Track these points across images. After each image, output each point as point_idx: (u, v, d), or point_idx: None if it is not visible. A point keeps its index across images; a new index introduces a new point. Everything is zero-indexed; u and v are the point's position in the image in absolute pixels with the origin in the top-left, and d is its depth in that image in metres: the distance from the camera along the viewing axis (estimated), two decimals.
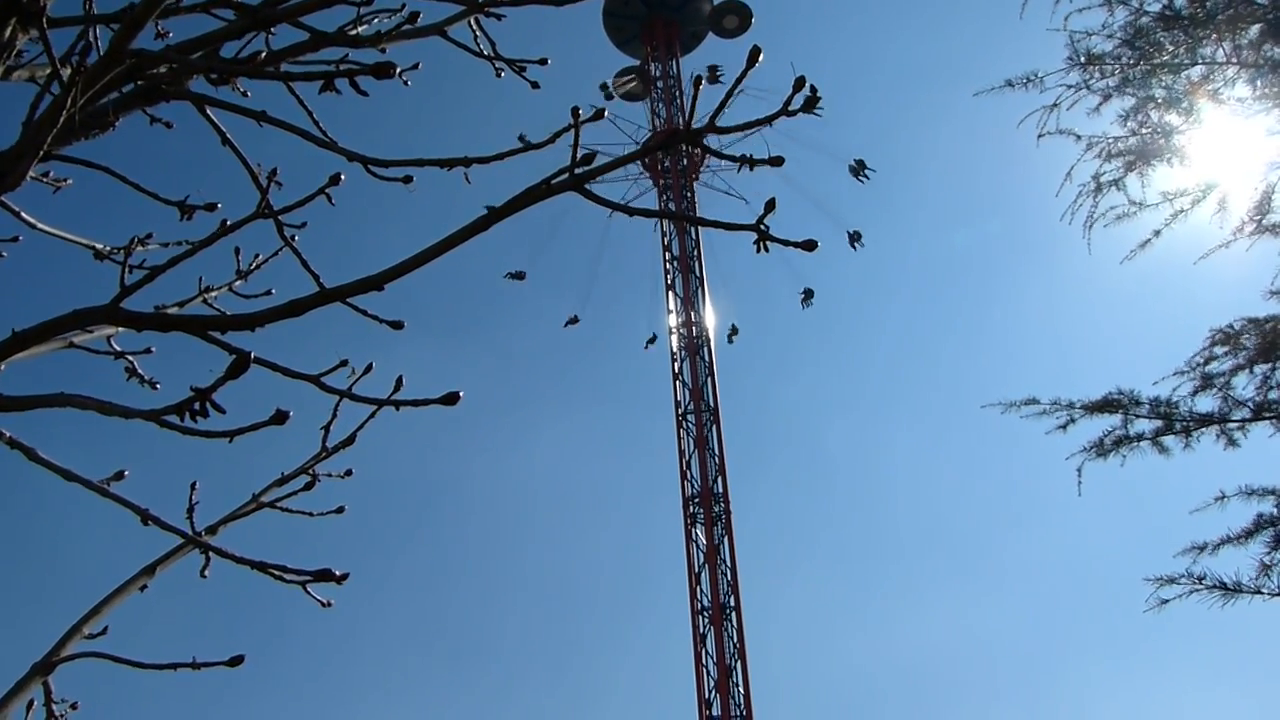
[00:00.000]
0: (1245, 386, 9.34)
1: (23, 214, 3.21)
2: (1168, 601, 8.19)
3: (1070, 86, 9.65)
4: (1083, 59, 9.60)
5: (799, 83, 2.25)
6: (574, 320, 30.75)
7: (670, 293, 29.38)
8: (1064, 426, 9.76)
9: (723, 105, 2.19)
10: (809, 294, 29.85)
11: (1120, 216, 9.78)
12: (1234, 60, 9.27)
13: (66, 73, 1.93)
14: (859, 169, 28.84)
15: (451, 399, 2.37)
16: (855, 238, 29.08)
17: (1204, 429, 9.35)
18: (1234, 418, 9.29)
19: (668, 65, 32.07)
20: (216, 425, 2.02)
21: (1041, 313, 58.78)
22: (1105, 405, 9.61)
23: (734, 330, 29.92)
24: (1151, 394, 9.52)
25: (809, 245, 2.30)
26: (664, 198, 29.84)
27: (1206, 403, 9.41)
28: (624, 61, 32.50)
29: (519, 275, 30.32)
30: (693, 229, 29.83)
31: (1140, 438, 9.50)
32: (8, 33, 2.42)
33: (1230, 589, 7.92)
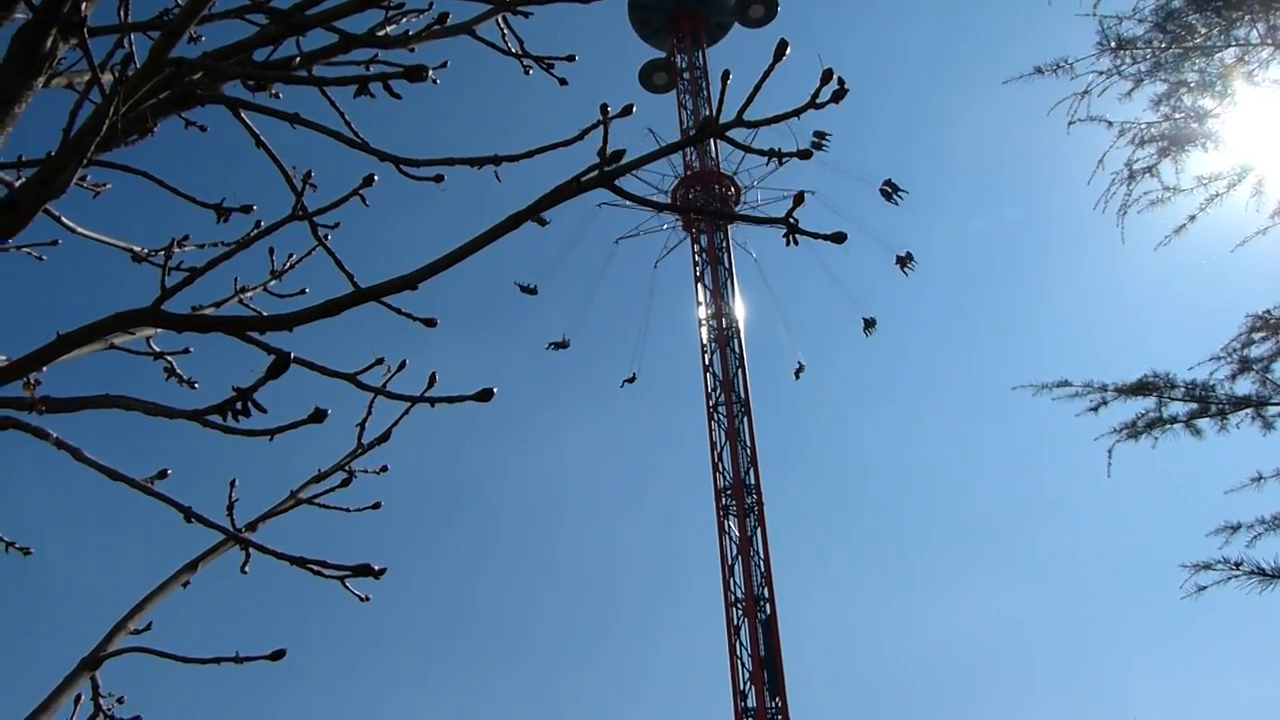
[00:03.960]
0: None
1: (63, 218, 3.27)
2: (1205, 588, 8.10)
3: (1101, 73, 9.54)
4: (1113, 44, 9.48)
5: (826, 75, 2.25)
6: (632, 379, 30.65)
7: (699, 285, 29.36)
8: (1096, 409, 9.67)
9: (750, 99, 2.20)
10: (871, 322, 29.75)
11: (1154, 202, 9.67)
12: (1268, 41, 9.13)
13: (106, 79, 1.97)
14: (891, 192, 28.72)
15: (486, 395, 2.39)
16: (906, 260, 28.83)
17: (1239, 412, 9.23)
18: (1273, 401, 9.16)
19: (693, 56, 31.99)
20: (257, 424, 2.06)
21: (1074, 300, 58.28)
22: (1140, 388, 9.51)
23: (800, 368, 29.79)
24: (1187, 378, 9.42)
25: (838, 238, 2.31)
26: (696, 245, 29.76)
27: (1244, 387, 9.30)
28: (650, 54, 32.48)
29: (531, 289, 30.26)
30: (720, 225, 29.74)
31: (1174, 420, 9.40)
32: (49, 42, 2.46)
33: (1269, 575, 7.81)
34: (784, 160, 2.36)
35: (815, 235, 2.25)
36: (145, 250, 3.49)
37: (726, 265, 29.23)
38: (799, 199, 2.17)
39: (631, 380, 30.43)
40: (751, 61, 2.24)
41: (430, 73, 2.38)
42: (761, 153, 2.41)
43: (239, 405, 1.96)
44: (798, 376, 29.76)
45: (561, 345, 30.66)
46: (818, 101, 2.25)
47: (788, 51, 2.22)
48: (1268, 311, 9.31)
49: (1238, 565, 7.98)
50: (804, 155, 2.39)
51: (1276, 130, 9.54)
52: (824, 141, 28.20)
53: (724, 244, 29.46)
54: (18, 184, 2.60)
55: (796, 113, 2.24)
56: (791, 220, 2.21)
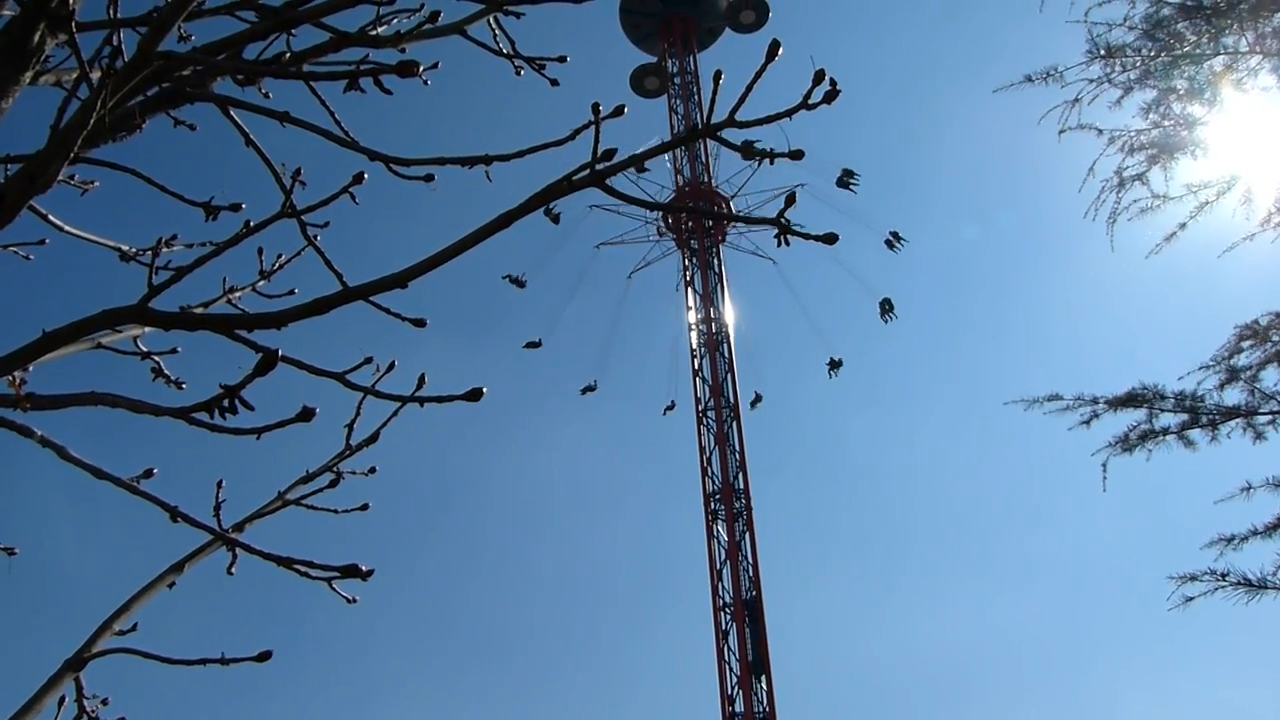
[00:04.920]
0: (1276, 382, 9.24)
1: (50, 216, 3.25)
2: (1192, 599, 8.11)
3: (1091, 80, 9.57)
4: (1103, 51, 9.52)
5: (818, 76, 2.25)
6: (592, 387, 30.71)
7: (689, 289, 29.36)
8: (1087, 422, 9.68)
9: (743, 99, 2.19)
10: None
11: (1144, 209, 9.70)
12: (1257, 49, 9.18)
13: (95, 75, 1.96)
14: (894, 240, 28.62)
15: (475, 395, 2.38)
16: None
17: (1230, 422, 9.25)
18: (1262, 410, 9.18)
19: (684, 61, 32.03)
20: (244, 423, 2.04)
21: (1062, 308, 58.52)
22: (1130, 400, 9.52)
23: (757, 398, 29.77)
24: (1176, 389, 9.44)
25: (829, 239, 2.31)
26: (688, 254, 29.69)
27: (1233, 396, 9.32)
28: (641, 59, 32.50)
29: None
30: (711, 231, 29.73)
31: (1166, 432, 9.41)
32: (36, 37, 2.44)
33: (1255, 585, 7.83)
34: (775, 160, 2.36)
35: (807, 236, 2.25)
36: (133, 249, 3.47)
37: (716, 270, 29.25)
38: (790, 199, 2.17)
39: (592, 388, 30.71)
40: (743, 66, 2.23)
41: (420, 69, 2.36)
42: (754, 153, 2.41)
43: (226, 403, 1.94)
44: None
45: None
46: (810, 102, 2.24)
47: (780, 52, 2.22)
48: (1255, 321, 9.35)
49: (1224, 576, 7.99)
50: (795, 156, 2.39)
51: (1265, 138, 9.59)
52: (852, 181, 28.34)
53: (714, 249, 29.46)
54: (3, 179, 2.58)
55: (789, 113, 2.24)
56: (783, 220, 2.21)
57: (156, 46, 1.87)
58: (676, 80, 31.79)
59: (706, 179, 30.13)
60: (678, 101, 31.51)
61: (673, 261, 30.26)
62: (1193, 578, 8.03)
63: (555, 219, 29.49)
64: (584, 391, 31.00)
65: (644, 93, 32.06)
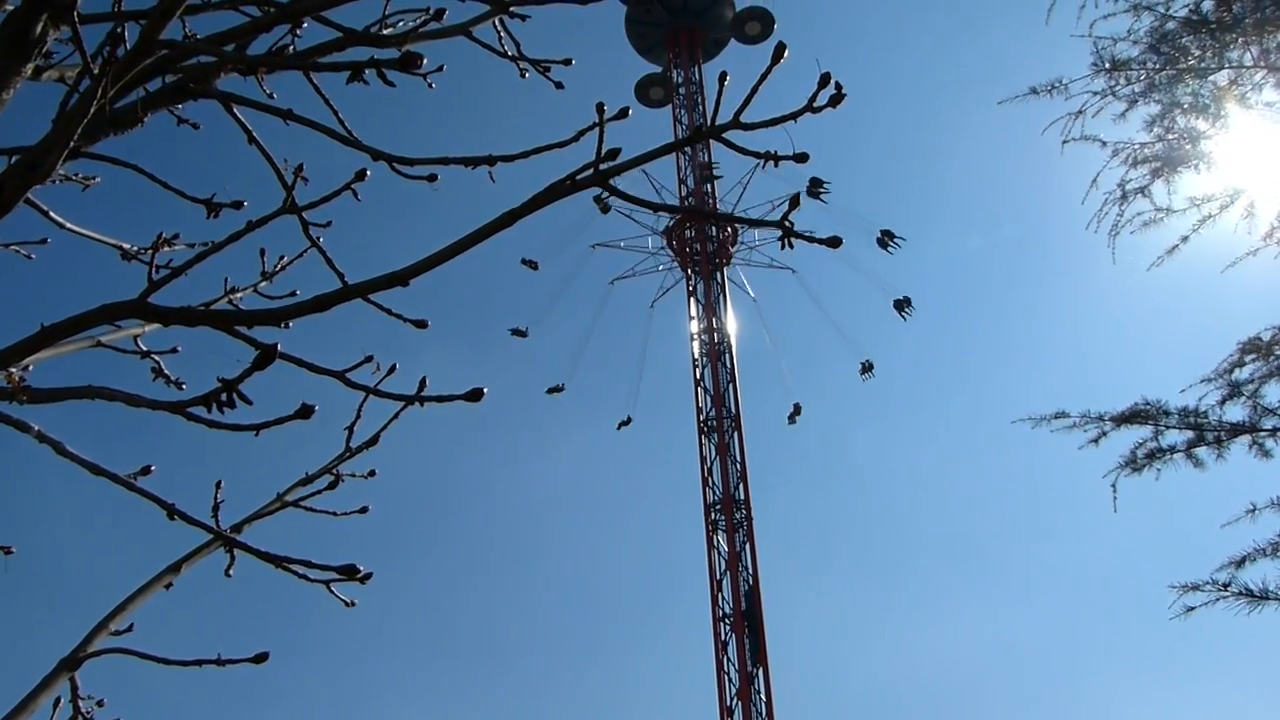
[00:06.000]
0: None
1: (51, 213, 3.24)
2: (1193, 609, 8.08)
3: (1095, 93, 9.58)
4: (1108, 65, 9.53)
5: (824, 79, 2.25)
6: (628, 421, 30.50)
7: (692, 299, 29.34)
8: (1096, 440, 9.64)
9: (748, 101, 2.19)
10: (868, 366, 29.49)
11: (1146, 223, 9.71)
12: (1262, 64, 9.19)
13: (97, 67, 1.95)
14: (886, 239, 28.07)
15: (476, 395, 2.37)
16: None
17: (1235, 439, 9.22)
18: (1264, 426, 9.16)
19: (689, 72, 32.06)
20: (242, 419, 2.03)
21: (1065, 320, 58.49)
22: (1134, 416, 9.49)
23: (796, 409, 29.37)
24: (1179, 404, 9.41)
25: (834, 242, 2.29)
26: (692, 282, 29.60)
27: (1235, 411, 9.29)
28: (647, 68, 32.52)
29: (532, 264, 30.23)
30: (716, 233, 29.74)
31: (1173, 450, 9.37)
32: (39, 28, 2.43)
33: (1257, 596, 7.80)
34: (780, 163, 2.35)
35: (810, 239, 2.23)
36: (134, 247, 3.46)
37: (719, 280, 29.23)
38: (795, 202, 2.16)
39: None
40: (748, 77, 2.22)
41: (423, 63, 2.36)
42: (757, 155, 2.39)
43: (224, 397, 1.93)
44: (793, 420, 29.45)
45: (531, 265, 30.58)
46: (815, 105, 2.24)
47: (786, 54, 2.21)
48: (1258, 336, 9.34)
49: (1225, 586, 7.97)
50: (800, 159, 2.38)
51: (1269, 152, 9.60)
52: (822, 190, 27.69)
53: (719, 260, 29.45)
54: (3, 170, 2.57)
55: (794, 115, 2.23)
56: (787, 224, 2.20)
57: (158, 34, 1.86)
58: (681, 90, 31.81)
59: (711, 190, 30.10)
60: (682, 111, 31.51)
61: (679, 288, 30.11)
62: (1194, 587, 8.01)
63: (605, 209, 28.85)
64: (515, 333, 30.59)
65: (649, 102, 32.06)
